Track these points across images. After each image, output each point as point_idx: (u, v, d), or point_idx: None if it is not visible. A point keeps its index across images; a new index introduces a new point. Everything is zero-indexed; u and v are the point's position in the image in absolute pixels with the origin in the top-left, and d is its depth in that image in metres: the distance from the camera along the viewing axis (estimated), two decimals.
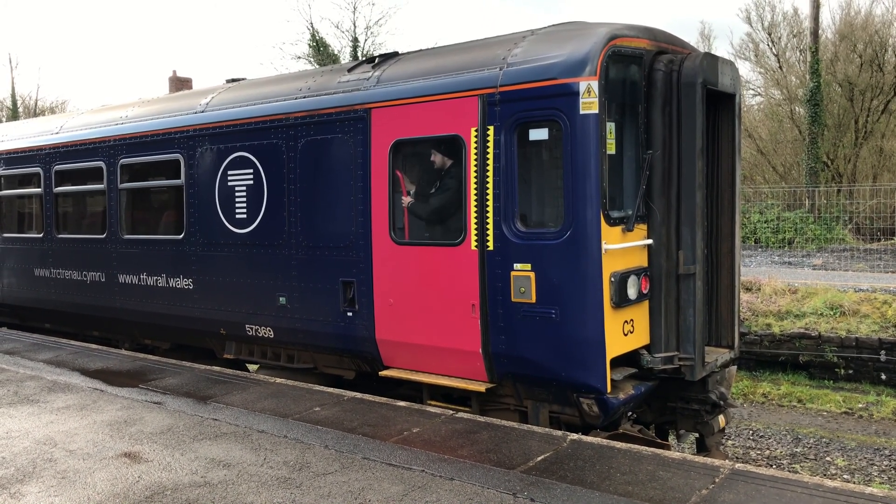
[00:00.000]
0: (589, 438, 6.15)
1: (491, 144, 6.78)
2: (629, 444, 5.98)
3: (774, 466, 9.57)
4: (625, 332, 6.67)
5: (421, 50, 8.25)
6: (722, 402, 7.44)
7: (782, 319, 13.99)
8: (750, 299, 14.59)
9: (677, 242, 6.85)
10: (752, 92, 33.06)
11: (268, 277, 8.58)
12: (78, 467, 5.69)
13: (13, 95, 49.26)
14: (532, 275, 6.61)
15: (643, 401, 7.27)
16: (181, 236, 9.48)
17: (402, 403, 7.18)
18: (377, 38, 36.11)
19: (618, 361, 6.67)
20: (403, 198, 7.48)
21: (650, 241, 6.85)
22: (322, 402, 7.30)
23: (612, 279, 6.44)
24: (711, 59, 6.98)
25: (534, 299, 6.61)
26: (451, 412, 6.79)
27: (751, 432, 11.20)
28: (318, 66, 30.58)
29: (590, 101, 6.32)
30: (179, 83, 26.78)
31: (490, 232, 6.81)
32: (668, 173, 6.81)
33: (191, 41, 78.64)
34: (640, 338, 6.87)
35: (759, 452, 10.25)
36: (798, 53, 30.46)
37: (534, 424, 6.84)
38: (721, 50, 61.27)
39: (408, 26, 57.23)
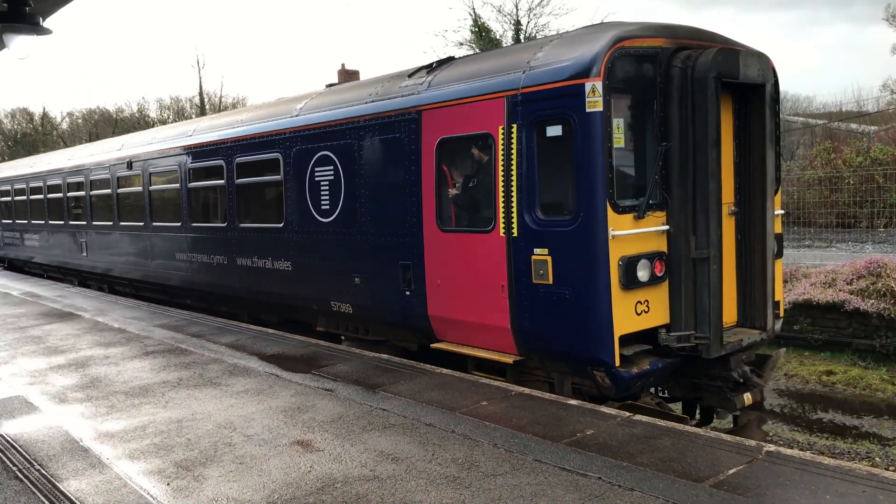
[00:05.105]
0: (788, 451, 5.65)
1: (514, 141, 7.66)
2: (839, 461, 5.30)
3: None
4: (637, 311, 7.28)
5: (469, 55, 9.44)
6: (742, 381, 7.79)
7: None
8: None
9: (693, 228, 7.34)
10: None
11: (346, 260, 9.98)
12: (254, 453, 5.87)
13: (200, 94, 53.74)
14: (549, 259, 7.42)
15: (668, 377, 7.88)
16: (281, 225, 11.13)
17: (573, 402, 6.99)
18: (539, 19, 35.40)
19: (634, 338, 7.30)
20: (448, 189, 8.55)
21: (667, 227, 7.42)
22: (489, 396, 7.18)
23: (621, 263, 7.09)
24: (728, 53, 7.42)
25: (551, 280, 7.43)
26: (628, 414, 6.47)
27: None
28: (479, 52, 30.49)
29: (595, 100, 7.01)
30: (347, 75, 27.78)
31: (515, 220, 7.69)
32: (685, 163, 7.33)
33: (360, 33, 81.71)
34: (657, 317, 7.45)
35: None
36: None
37: (559, 394, 7.61)
38: None
39: (575, 4, 55.74)
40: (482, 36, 34.93)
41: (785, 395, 13.07)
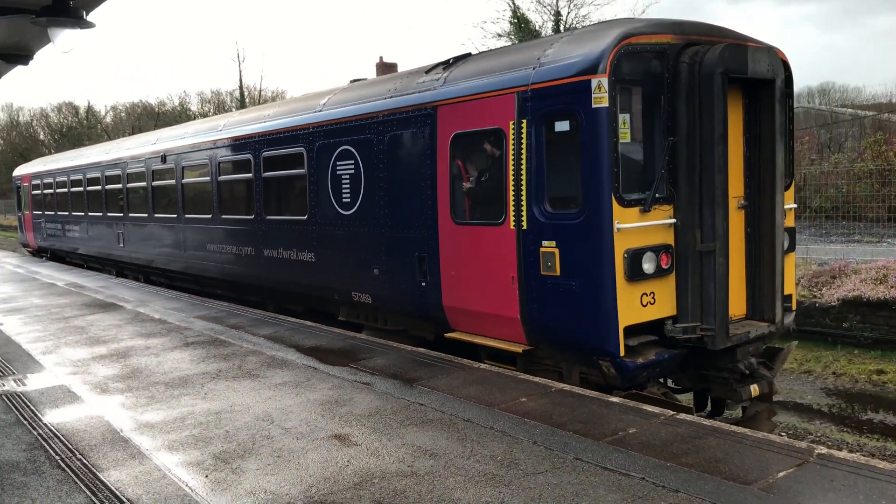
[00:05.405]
0: (840, 454, 5.45)
1: (524, 136, 7.88)
2: (894, 465, 5.07)
3: None
4: (643, 303, 7.46)
5: (485, 52, 9.62)
6: (749, 372, 7.90)
7: None
8: None
9: (700, 222, 7.48)
10: None
11: (366, 252, 10.34)
12: (292, 446, 5.87)
13: (241, 87, 54.33)
14: (557, 251, 7.64)
15: (675, 367, 8.00)
16: (305, 217, 11.55)
17: (615, 399, 6.85)
18: (580, 10, 34.88)
19: (640, 329, 7.48)
20: (461, 182, 8.80)
21: (674, 221, 7.58)
22: (529, 392, 7.10)
23: (626, 255, 7.27)
24: (736, 49, 7.52)
25: (558, 272, 7.66)
26: (672, 413, 6.27)
27: None
28: (518, 43, 30.18)
29: (600, 96, 7.18)
30: (385, 68, 27.80)
31: (524, 213, 7.94)
32: (692, 158, 7.48)
33: (400, 25, 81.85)
34: (663, 309, 7.62)
35: None
36: None
37: (567, 383, 7.77)
38: None
39: None
40: (521, 27, 34.51)
41: (833, 394, 12.75)
